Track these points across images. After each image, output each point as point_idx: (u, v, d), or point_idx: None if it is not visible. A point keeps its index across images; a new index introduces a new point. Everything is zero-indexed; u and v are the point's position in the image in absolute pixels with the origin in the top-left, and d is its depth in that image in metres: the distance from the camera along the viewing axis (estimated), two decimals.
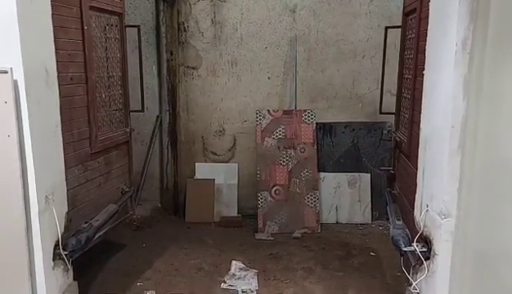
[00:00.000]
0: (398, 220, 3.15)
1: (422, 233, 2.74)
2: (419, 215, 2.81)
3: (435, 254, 2.63)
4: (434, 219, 2.63)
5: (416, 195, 2.88)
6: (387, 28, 4.28)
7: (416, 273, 2.82)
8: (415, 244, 2.71)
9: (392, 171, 4.32)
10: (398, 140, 3.93)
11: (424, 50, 2.99)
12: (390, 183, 4.47)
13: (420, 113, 3.05)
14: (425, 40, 3.03)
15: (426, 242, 2.71)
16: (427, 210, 2.71)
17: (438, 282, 2.62)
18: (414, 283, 2.76)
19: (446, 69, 2.49)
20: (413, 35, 3.51)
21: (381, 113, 4.43)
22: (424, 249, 2.69)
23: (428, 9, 3.00)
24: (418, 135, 3.19)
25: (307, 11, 4.94)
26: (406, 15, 3.90)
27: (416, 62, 3.33)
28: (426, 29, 3.06)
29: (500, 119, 2.16)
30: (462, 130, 2.46)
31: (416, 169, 3.01)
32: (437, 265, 2.62)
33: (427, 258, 2.68)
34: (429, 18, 2.72)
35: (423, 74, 3.09)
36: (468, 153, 2.45)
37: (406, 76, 3.84)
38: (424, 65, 3.01)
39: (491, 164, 2.28)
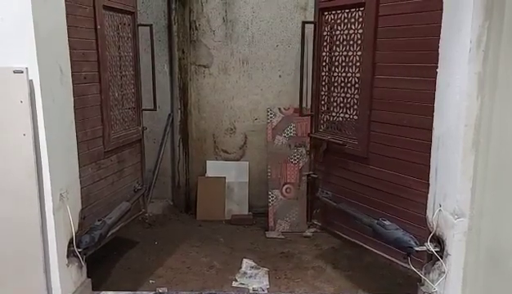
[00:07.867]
0: (384, 220, 3.11)
1: (435, 234, 2.72)
2: (431, 215, 2.79)
3: (448, 254, 2.61)
4: (447, 219, 2.61)
5: (429, 195, 2.85)
6: None
7: (428, 274, 2.80)
8: (428, 244, 2.69)
9: (315, 175, 4.35)
10: (341, 141, 3.81)
11: (383, 47, 3.22)
12: (314, 187, 4.41)
13: (383, 111, 3.28)
14: (385, 37, 3.23)
15: (439, 242, 2.69)
16: (440, 210, 2.69)
17: (451, 282, 2.61)
18: (433, 285, 2.72)
19: (460, 66, 2.47)
20: (360, 31, 3.56)
21: None
22: (436, 249, 2.68)
23: (385, 5, 3.17)
24: (380, 134, 3.38)
25: None
26: (322, 10, 4.04)
27: (374, 60, 3.38)
28: (385, 26, 3.24)
29: None
30: (476, 128, 2.44)
31: (386, 169, 3.25)
32: (450, 266, 2.60)
33: (440, 258, 2.66)
34: (443, 15, 2.69)
35: (381, 72, 3.29)
36: (482, 151, 2.43)
37: (325, 73, 4.08)
38: (383, 62, 3.23)
39: (505, 163, 2.25)
